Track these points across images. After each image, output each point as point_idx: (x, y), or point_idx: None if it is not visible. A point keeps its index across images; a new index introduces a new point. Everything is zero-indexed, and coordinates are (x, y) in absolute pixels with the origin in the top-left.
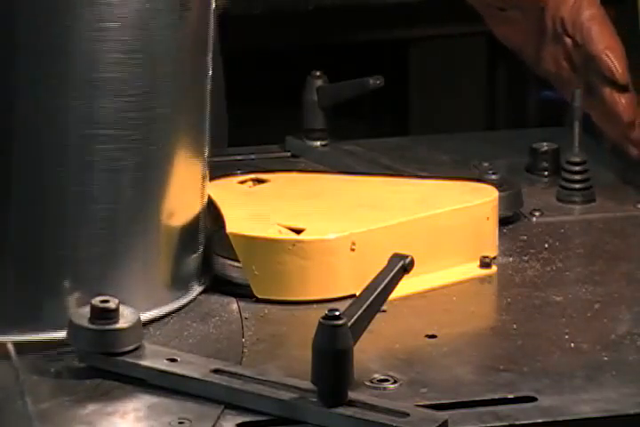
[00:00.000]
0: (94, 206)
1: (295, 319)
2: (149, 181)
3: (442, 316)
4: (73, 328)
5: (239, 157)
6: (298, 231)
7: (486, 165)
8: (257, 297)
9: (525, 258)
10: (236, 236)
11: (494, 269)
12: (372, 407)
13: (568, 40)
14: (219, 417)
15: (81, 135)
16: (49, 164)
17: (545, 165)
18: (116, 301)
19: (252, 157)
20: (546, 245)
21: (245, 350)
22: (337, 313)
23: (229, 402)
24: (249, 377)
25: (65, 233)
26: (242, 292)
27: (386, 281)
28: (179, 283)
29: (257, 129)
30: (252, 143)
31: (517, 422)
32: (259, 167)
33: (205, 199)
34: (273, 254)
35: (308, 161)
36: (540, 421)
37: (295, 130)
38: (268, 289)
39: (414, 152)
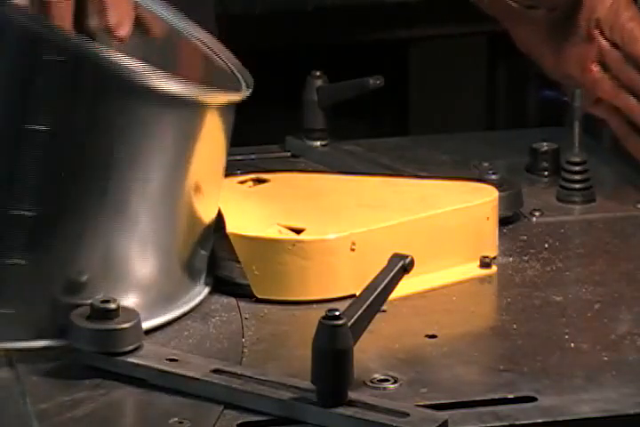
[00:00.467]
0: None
1: (295, 319)
2: (174, 183)
3: (442, 316)
4: (73, 328)
5: (239, 157)
6: (298, 231)
7: (486, 165)
8: (257, 297)
9: (525, 258)
10: (236, 236)
11: (494, 269)
12: (372, 407)
13: (604, 42)
14: (219, 417)
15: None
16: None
17: (545, 165)
18: (116, 301)
19: (252, 157)
20: (546, 245)
21: (245, 350)
22: (337, 313)
23: (229, 402)
24: (249, 377)
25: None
26: (242, 292)
27: (386, 281)
28: (189, 285)
29: (257, 129)
30: (252, 143)
31: (517, 422)
32: (259, 167)
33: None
34: (273, 254)
35: (308, 161)
36: (539, 421)
37: (295, 130)
38: (268, 289)
39: (414, 152)
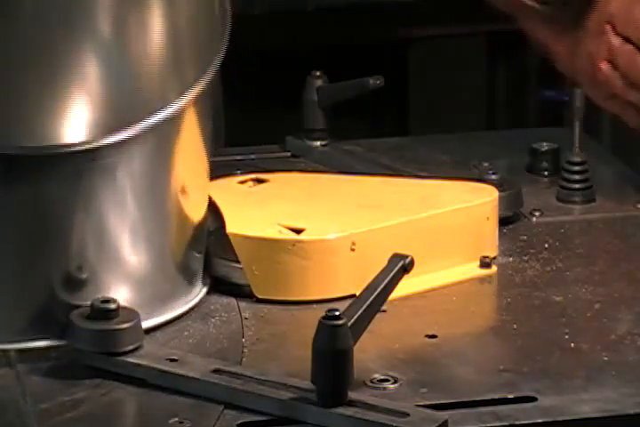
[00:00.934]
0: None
1: (295, 319)
2: (157, 181)
3: (442, 316)
4: (73, 328)
5: (239, 157)
6: (298, 231)
7: (486, 165)
8: (257, 297)
9: (525, 258)
10: (236, 236)
11: (494, 269)
12: (372, 407)
13: (615, 38)
14: (219, 417)
15: None
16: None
17: (545, 165)
18: (116, 301)
19: (252, 157)
20: (546, 245)
21: (245, 350)
22: (337, 313)
23: (229, 402)
24: (249, 377)
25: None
26: (242, 292)
27: (386, 281)
28: (185, 285)
29: (257, 129)
30: (252, 143)
31: (517, 422)
32: (259, 167)
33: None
34: (273, 254)
35: (307, 161)
36: (539, 421)
37: (295, 130)
38: (268, 289)
39: (414, 152)
